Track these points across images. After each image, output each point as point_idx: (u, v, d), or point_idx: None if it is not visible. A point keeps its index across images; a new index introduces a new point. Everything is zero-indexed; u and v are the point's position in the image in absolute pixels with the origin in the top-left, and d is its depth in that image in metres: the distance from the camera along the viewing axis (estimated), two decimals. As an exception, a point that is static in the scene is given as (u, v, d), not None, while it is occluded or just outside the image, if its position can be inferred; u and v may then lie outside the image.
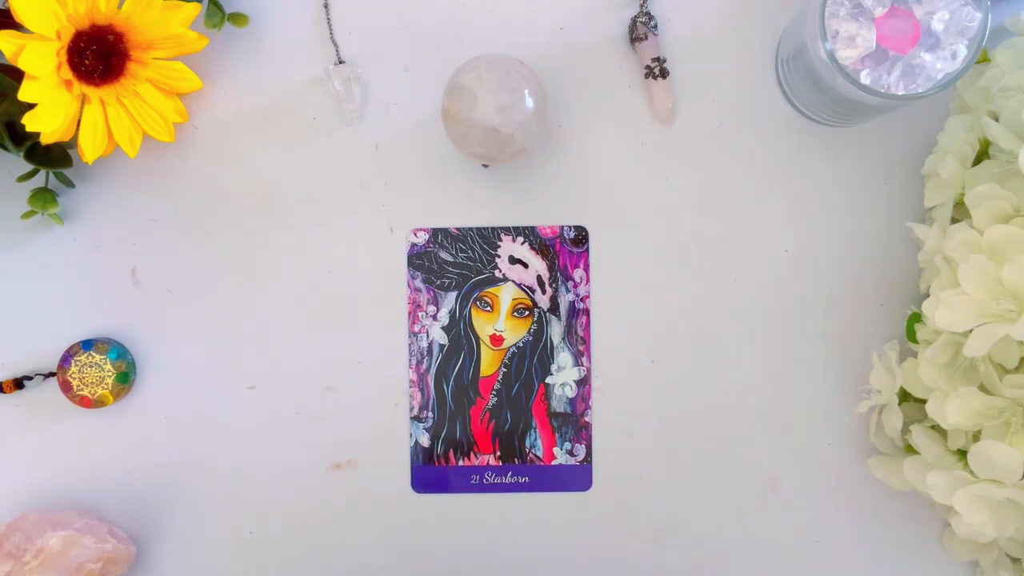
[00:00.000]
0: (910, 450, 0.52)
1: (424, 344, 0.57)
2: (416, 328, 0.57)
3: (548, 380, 0.57)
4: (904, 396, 0.52)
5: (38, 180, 0.56)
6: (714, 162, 0.56)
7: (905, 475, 0.51)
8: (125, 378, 0.56)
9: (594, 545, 0.57)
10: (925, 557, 0.57)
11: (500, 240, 0.57)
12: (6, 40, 0.48)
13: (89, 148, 0.52)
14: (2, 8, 0.52)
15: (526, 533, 0.57)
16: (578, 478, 0.57)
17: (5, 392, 0.56)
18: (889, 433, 0.52)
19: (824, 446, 0.57)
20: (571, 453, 0.57)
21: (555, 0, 0.56)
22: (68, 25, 0.50)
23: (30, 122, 0.49)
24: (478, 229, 0.57)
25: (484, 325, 0.57)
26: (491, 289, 0.57)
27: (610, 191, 0.57)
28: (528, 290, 0.57)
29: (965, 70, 0.47)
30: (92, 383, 0.55)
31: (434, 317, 0.57)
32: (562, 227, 0.57)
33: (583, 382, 0.57)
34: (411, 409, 0.57)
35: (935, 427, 0.51)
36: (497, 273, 0.57)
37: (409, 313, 0.57)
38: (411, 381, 0.57)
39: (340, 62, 0.56)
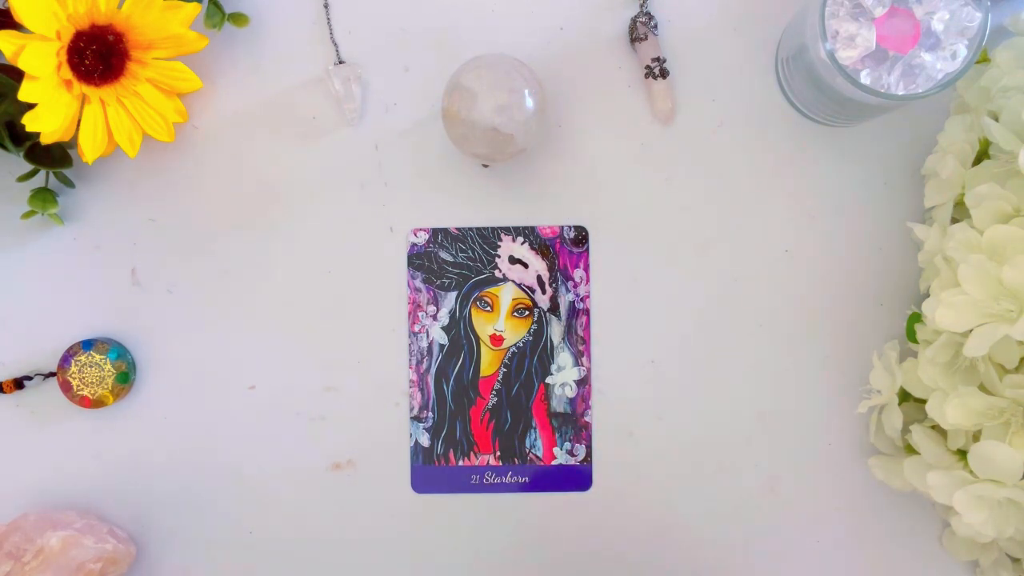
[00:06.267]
0: (910, 450, 0.53)
1: (424, 344, 0.57)
2: (416, 328, 0.57)
3: (548, 380, 0.57)
4: (904, 396, 0.52)
5: (38, 180, 0.56)
6: (714, 162, 0.56)
7: (905, 475, 0.51)
8: (125, 378, 0.56)
9: (594, 545, 0.57)
10: (925, 557, 0.57)
11: (500, 240, 0.57)
12: (6, 40, 0.48)
13: (89, 148, 0.52)
14: (2, 8, 0.52)
15: (526, 533, 0.57)
16: (578, 478, 0.57)
17: (5, 392, 0.56)
18: (889, 433, 0.52)
19: (824, 446, 0.57)
20: (571, 453, 0.57)
21: (555, 0, 0.56)
22: (68, 25, 0.50)
23: (30, 122, 0.49)
24: (478, 229, 0.57)
25: (484, 325, 0.57)
26: (491, 289, 0.57)
27: (610, 191, 0.57)
28: (528, 290, 0.57)
29: (965, 70, 0.47)
30: (92, 383, 0.55)
31: (434, 317, 0.57)
32: (562, 227, 0.57)
33: (583, 382, 0.57)
34: (411, 409, 0.57)
35: (935, 427, 0.51)
36: (497, 273, 0.57)
37: (409, 313, 0.57)
38: (411, 381, 0.57)
39: (340, 62, 0.56)
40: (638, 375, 0.57)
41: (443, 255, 0.57)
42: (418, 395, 0.57)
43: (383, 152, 0.57)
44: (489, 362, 0.57)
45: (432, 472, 0.57)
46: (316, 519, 0.57)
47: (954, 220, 0.51)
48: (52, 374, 0.56)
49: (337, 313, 0.57)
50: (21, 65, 0.48)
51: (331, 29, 0.57)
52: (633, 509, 0.57)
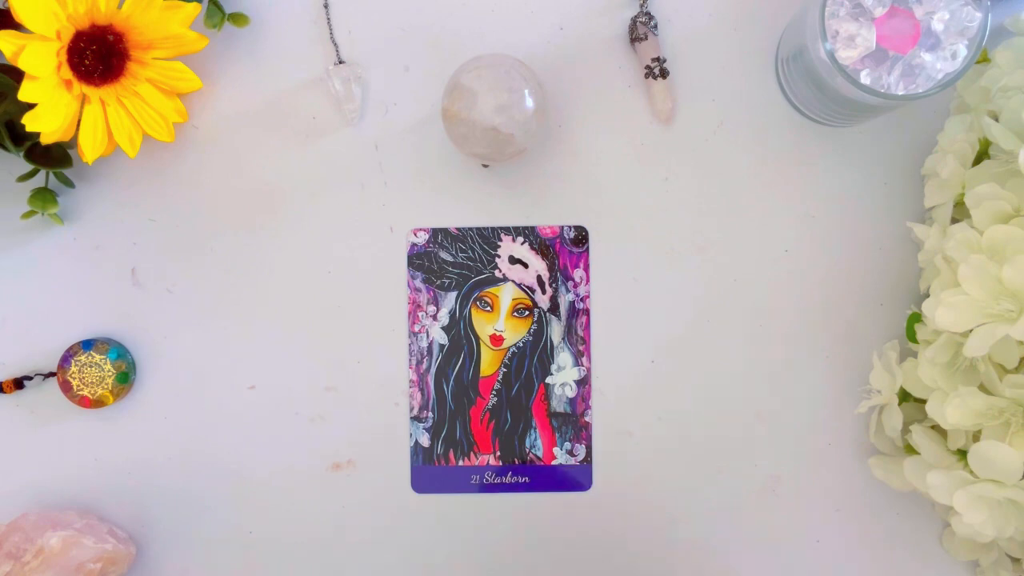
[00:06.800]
0: (910, 450, 0.53)
1: (424, 344, 0.57)
2: (416, 328, 0.57)
3: (548, 380, 0.57)
4: (904, 396, 0.52)
5: (38, 180, 0.56)
6: (714, 162, 0.56)
7: (905, 475, 0.51)
8: (125, 378, 0.56)
9: (594, 545, 0.57)
10: (925, 557, 0.57)
11: (500, 240, 0.57)
12: (6, 40, 0.48)
13: (89, 148, 0.52)
14: (2, 8, 0.52)
15: (526, 533, 0.57)
16: (578, 478, 0.57)
17: (5, 392, 0.56)
18: (889, 433, 0.52)
19: (824, 446, 0.57)
20: (571, 453, 0.57)
21: (555, 0, 0.56)
22: (68, 25, 0.50)
23: (30, 122, 0.49)
24: (478, 229, 0.57)
25: (484, 325, 0.57)
26: (491, 289, 0.57)
27: (610, 191, 0.57)
28: (528, 290, 0.57)
29: (965, 70, 0.47)
30: (92, 383, 0.55)
31: (434, 317, 0.57)
32: (562, 227, 0.57)
33: (583, 382, 0.57)
34: (411, 409, 0.57)
35: (935, 427, 0.51)
36: (497, 273, 0.57)
37: (409, 313, 0.57)
38: (411, 381, 0.57)
39: (340, 62, 0.56)
40: (638, 375, 0.57)
41: (443, 255, 0.57)
42: (418, 395, 0.57)
43: (383, 152, 0.57)
44: (489, 362, 0.57)
45: (432, 472, 0.57)
46: (316, 519, 0.57)
47: (954, 220, 0.51)
48: (52, 374, 0.56)
49: (337, 313, 0.57)
50: (21, 65, 0.48)
51: (331, 29, 0.57)
52: (633, 509, 0.57)
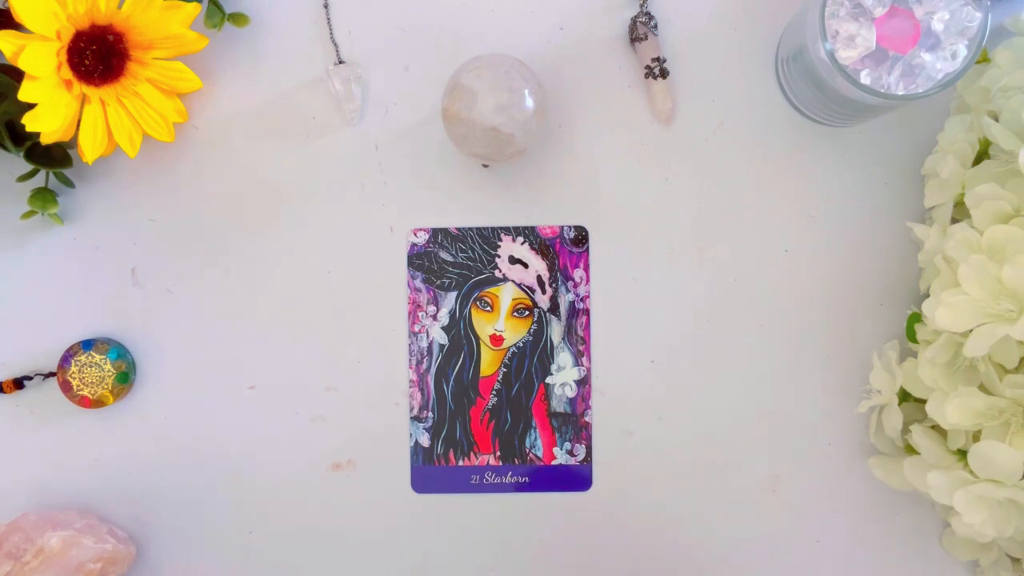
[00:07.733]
0: (910, 450, 0.53)
1: (424, 344, 0.57)
2: (416, 328, 0.57)
3: (548, 380, 0.57)
4: (904, 396, 0.52)
5: (38, 180, 0.56)
6: (714, 162, 0.56)
7: (905, 475, 0.51)
8: (125, 378, 0.56)
9: (594, 545, 0.57)
10: (925, 557, 0.57)
11: (500, 240, 0.57)
12: (6, 40, 0.48)
13: (89, 148, 0.52)
14: (2, 8, 0.52)
15: (526, 533, 0.57)
16: (578, 478, 0.57)
17: (5, 392, 0.56)
18: (889, 433, 0.52)
19: (824, 446, 0.57)
20: (571, 453, 0.57)
21: (555, 0, 0.56)
22: (68, 25, 0.50)
23: (30, 122, 0.49)
24: (478, 229, 0.57)
25: (484, 325, 0.57)
26: (491, 289, 0.57)
27: (610, 191, 0.57)
28: (528, 290, 0.57)
29: (965, 70, 0.47)
30: (92, 383, 0.55)
31: (434, 317, 0.57)
32: (562, 227, 0.57)
33: (583, 382, 0.57)
34: (411, 409, 0.57)
35: (935, 427, 0.51)
36: (497, 273, 0.57)
37: (409, 313, 0.57)
38: (411, 381, 0.57)
39: (340, 62, 0.56)
40: (638, 375, 0.57)
41: (443, 255, 0.57)
42: (418, 395, 0.57)
43: (383, 152, 0.57)
44: (489, 362, 0.57)
45: (432, 472, 0.57)
46: (316, 519, 0.57)
47: (954, 220, 0.51)
48: (52, 374, 0.56)
49: (337, 313, 0.57)
50: (21, 65, 0.48)
51: (331, 29, 0.57)
52: (633, 509, 0.57)
